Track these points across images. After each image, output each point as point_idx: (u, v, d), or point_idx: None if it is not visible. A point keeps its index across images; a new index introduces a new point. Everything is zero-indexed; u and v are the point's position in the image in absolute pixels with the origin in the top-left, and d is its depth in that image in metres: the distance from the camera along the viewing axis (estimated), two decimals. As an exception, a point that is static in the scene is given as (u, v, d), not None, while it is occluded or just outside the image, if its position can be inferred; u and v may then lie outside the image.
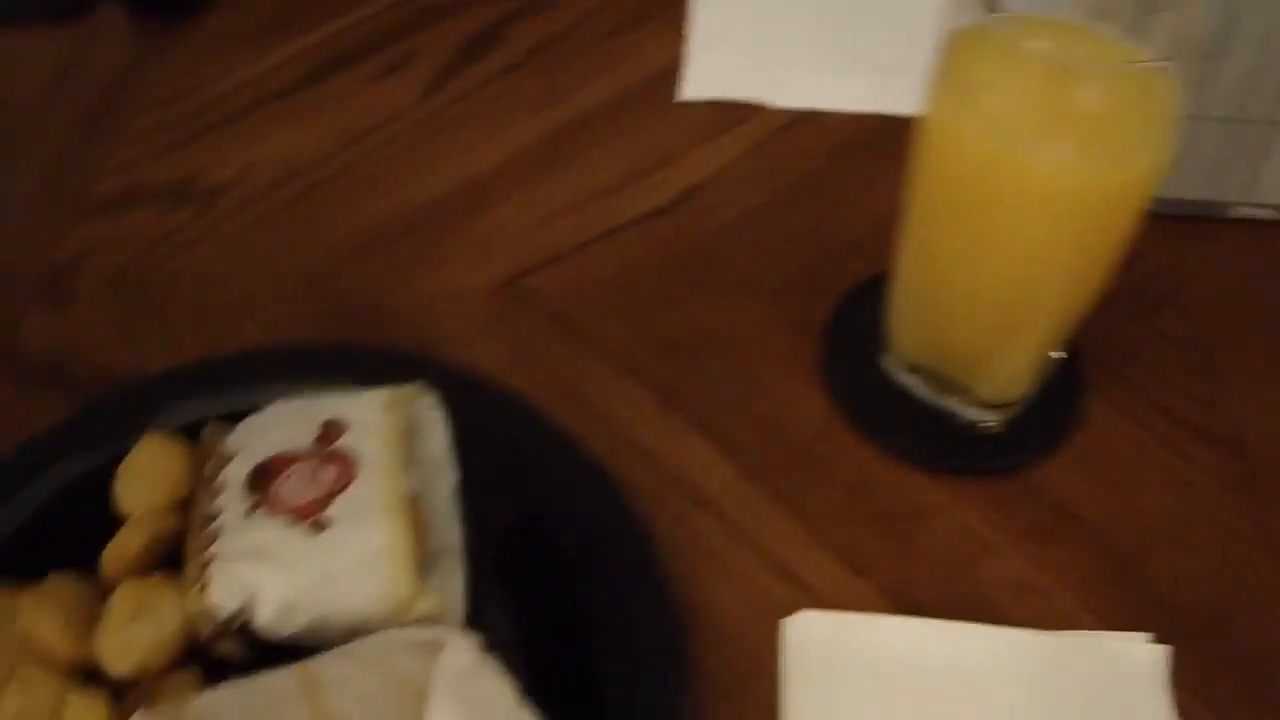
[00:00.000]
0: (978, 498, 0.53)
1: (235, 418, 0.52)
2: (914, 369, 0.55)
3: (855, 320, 0.58)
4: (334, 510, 0.47)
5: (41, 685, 0.46)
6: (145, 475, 0.52)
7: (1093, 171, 0.45)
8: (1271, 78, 0.60)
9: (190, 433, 0.52)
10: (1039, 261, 0.48)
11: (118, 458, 0.51)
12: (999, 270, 0.49)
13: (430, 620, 0.46)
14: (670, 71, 0.73)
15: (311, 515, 0.47)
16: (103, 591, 0.48)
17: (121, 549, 0.49)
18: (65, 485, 0.53)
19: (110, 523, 0.50)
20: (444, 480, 0.51)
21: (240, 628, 0.46)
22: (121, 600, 0.47)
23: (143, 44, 0.76)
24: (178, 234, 0.65)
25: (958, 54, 0.46)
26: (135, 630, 0.47)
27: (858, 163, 0.67)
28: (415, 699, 0.41)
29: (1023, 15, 0.49)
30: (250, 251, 0.63)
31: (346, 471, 0.49)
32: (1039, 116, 0.45)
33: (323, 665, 0.43)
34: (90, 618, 0.47)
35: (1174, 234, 0.64)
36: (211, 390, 0.55)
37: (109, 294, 0.63)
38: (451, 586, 0.48)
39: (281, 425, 0.51)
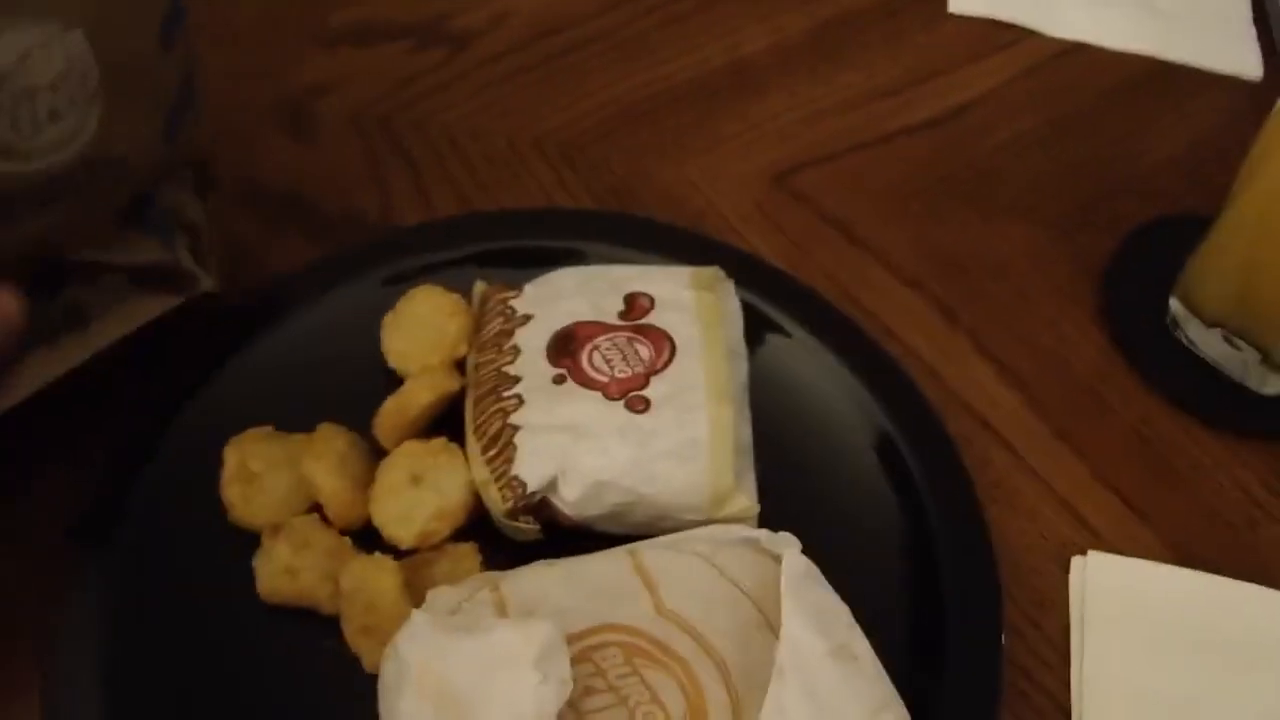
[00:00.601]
0: (1258, 459, 0.52)
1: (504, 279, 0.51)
2: (1212, 323, 0.53)
3: (1140, 264, 0.57)
4: (653, 390, 0.46)
5: (320, 538, 0.44)
6: (422, 329, 0.49)
7: None
8: None
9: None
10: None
11: (379, 308, 0.50)
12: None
13: (739, 518, 0.45)
14: (937, -18, 0.70)
15: (629, 392, 0.46)
16: (376, 451, 0.47)
17: (402, 408, 0.47)
18: (325, 328, 0.51)
19: (371, 377, 0.48)
20: (738, 371, 0.49)
21: (540, 503, 0.45)
22: (402, 464, 0.46)
23: None
24: (425, 76, 0.62)
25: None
26: (418, 497, 0.45)
27: (1128, 103, 0.65)
28: (746, 600, 0.40)
29: None
30: (504, 105, 0.61)
31: (663, 350, 0.47)
32: None
33: (652, 556, 0.42)
34: (366, 476, 0.46)
35: None
36: (485, 245, 0.53)
37: (350, 131, 0.60)
38: (745, 482, 0.46)
39: (577, 293, 0.50)
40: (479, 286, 0.51)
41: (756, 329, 0.50)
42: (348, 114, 0.61)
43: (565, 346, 0.47)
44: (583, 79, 0.62)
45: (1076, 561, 0.48)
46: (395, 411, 0.47)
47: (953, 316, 0.55)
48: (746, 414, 0.48)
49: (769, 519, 0.44)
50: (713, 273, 0.50)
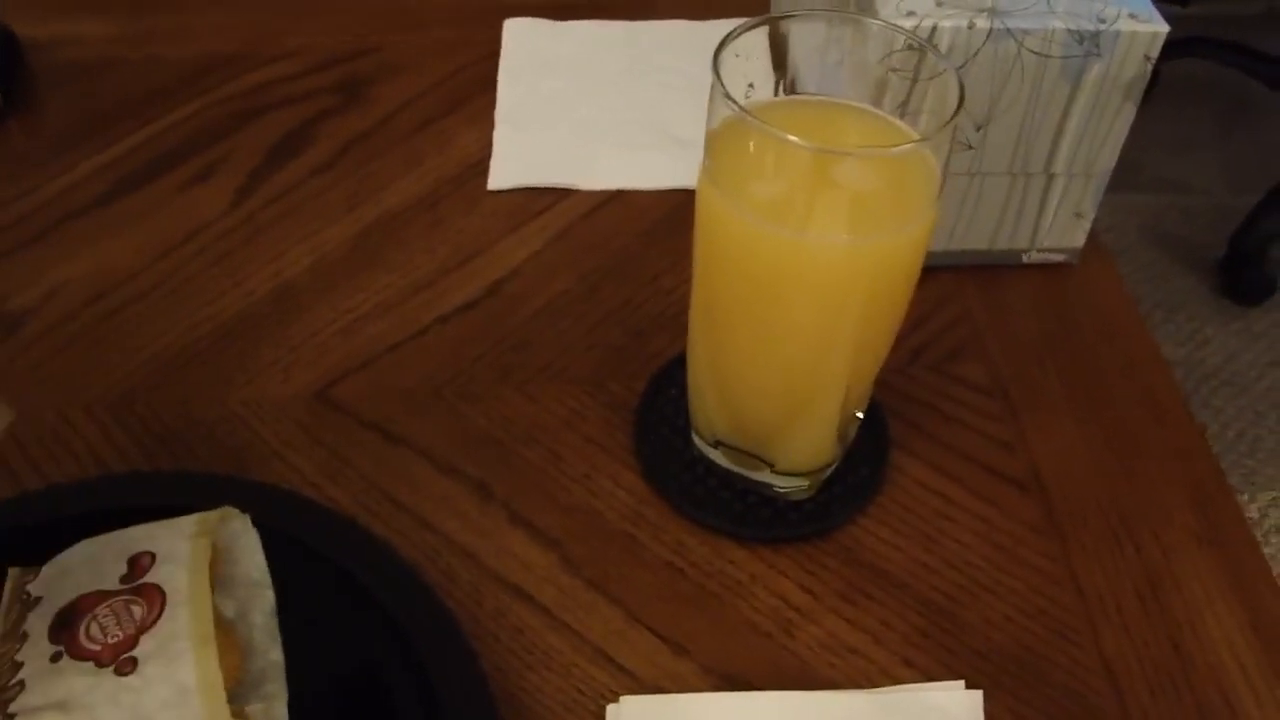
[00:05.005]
0: (791, 564, 0.55)
1: (43, 558, 0.52)
2: (717, 444, 0.56)
3: (663, 399, 0.60)
4: (142, 648, 0.47)
5: None
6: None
7: (858, 248, 0.47)
8: (1040, 133, 0.63)
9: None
10: (821, 335, 0.50)
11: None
12: (783, 346, 0.51)
13: (251, 748, 0.46)
14: (481, 161, 0.74)
15: (119, 655, 0.47)
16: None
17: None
18: None
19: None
20: (262, 600, 0.51)
21: (49, 783, 0.45)
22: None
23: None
24: (-19, 365, 0.64)
25: (722, 142, 0.48)
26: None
27: (666, 240, 0.69)
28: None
29: (786, 99, 0.51)
30: (58, 379, 0.63)
31: (155, 605, 0.48)
32: (800, 199, 0.47)
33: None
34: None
35: (968, 285, 0.67)
36: (12, 534, 0.54)
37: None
38: (273, 710, 0.48)
39: (87, 564, 0.51)
40: (11, 572, 0.52)
41: (283, 554, 0.52)
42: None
43: (66, 623, 0.48)
44: (132, 335, 0.64)
45: (610, 709, 0.50)
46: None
47: (487, 492, 0.57)
48: (276, 637, 0.49)
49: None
50: (219, 514, 0.52)
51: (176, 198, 0.72)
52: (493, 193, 0.72)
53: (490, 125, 0.76)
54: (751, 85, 0.49)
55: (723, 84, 0.45)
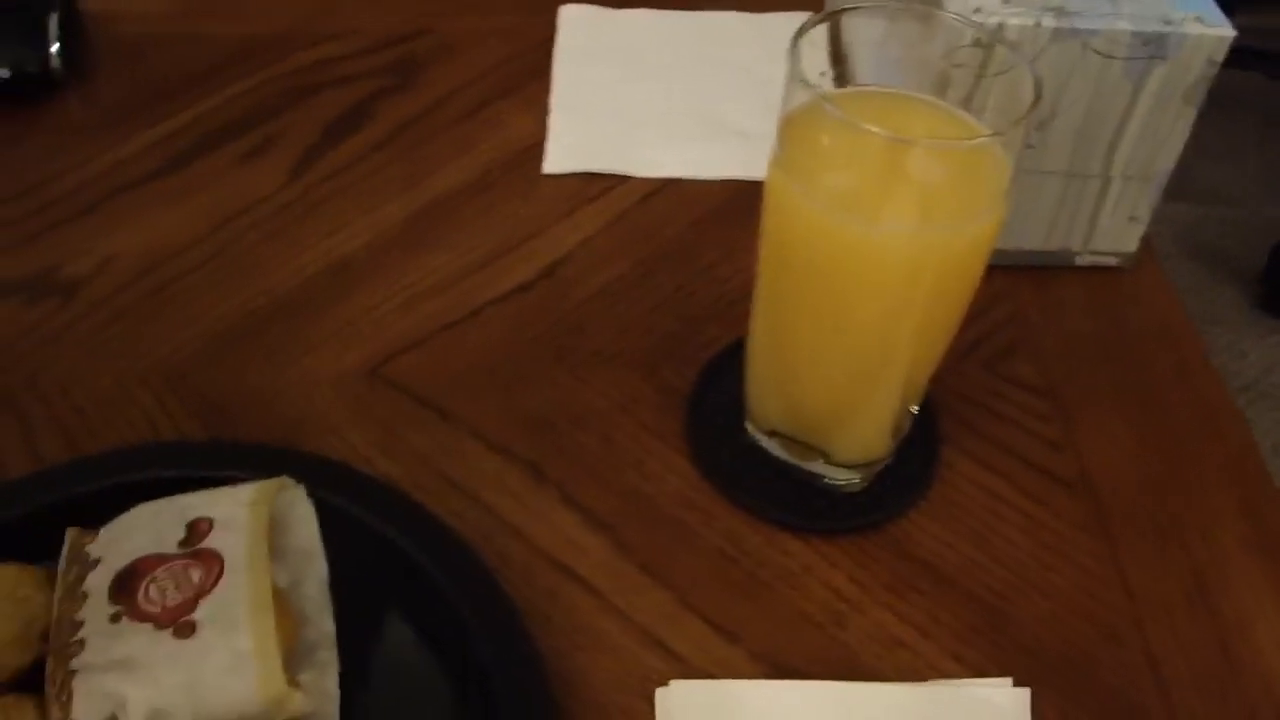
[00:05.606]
0: (842, 556, 0.55)
1: (100, 522, 0.52)
2: (773, 434, 0.56)
3: (718, 387, 0.60)
4: (200, 612, 0.47)
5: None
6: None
7: (928, 240, 0.47)
8: (1100, 135, 0.63)
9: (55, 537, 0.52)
10: (885, 326, 0.50)
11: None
12: (847, 337, 0.51)
13: (305, 716, 0.46)
14: (535, 146, 0.74)
15: (178, 619, 0.47)
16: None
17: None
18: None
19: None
20: (315, 572, 0.51)
21: (109, 741, 0.46)
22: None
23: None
24: (35, 331, 0.64)
25: (796, 130, 0.48)
26: (-15, 754, 0.46)
27: (719, 229, 0.69)
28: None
29: (857, 90, 0.51)
30: (113, 347, 0.63)
31: (214, 571, 0.49)
32: (874, 190, 0.47)
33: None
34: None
35: (1021, 284, 0.67)
36: (69, 498, 0.55)
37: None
38: (325, 680, 0.48)
39: (146, 527, 0.51)
40: (70, 533, 0.52)
41: (338, 527, 0.52)
42: (-36, 379, 0.63)
43: (125, 584, 0.49)
44: (187, 307, 0.64)
45: (660, 692, 0.50)
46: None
47: (540, 473, 0.57)
48: (328, 608, 0.50)
49: (356, 705, 0.47)
50: (275, 483, 0.52)
51: (231, 172, 0.73)
52: (547, 177, 0.72)
53: (543, 111, 0.76)
54: (823, 74, 0.50)
55: (802, 72, 0.45)
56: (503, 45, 0.82)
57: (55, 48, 0.75)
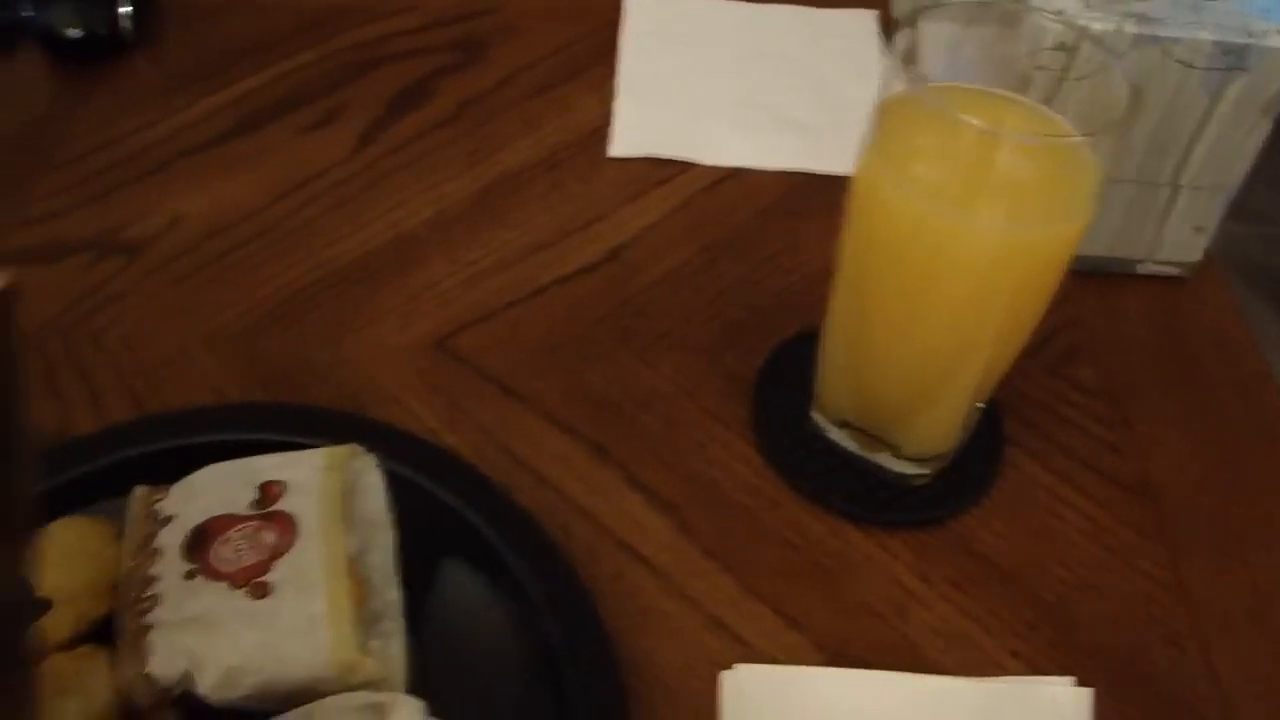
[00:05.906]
0: (904, 549, 0.55)
1: (167, 480, 0.52)
2: (843, 424, 0.56)
3: (784, 376, 0.60)
4: (275, 574, 0.47)
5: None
6: (67, 558, 0.50)
7: (1018, 237, 0.47)
8: (1173, 144, 0.63)
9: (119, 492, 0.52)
10: (967, 321, 0.50)
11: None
12: (928, 329, 0.51)
13: (374, 683, 0.46)
14: (600, 128, 0.74)
15: (252, 579, 0.47)
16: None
17: (50, 633, 0.47)
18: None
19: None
20: (383, 540, 0.51)
21: (180, 696, 0.46)
22: (48, 676, 0.46)
23: (64, 89, 0.76)
24: (103, 288, 0.64)
25: (890, 121, 0.48)
26: (63, 706, 0.46)
27: (783, 220, 0.69)
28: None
29: (951, 85, 0.51)
30: (178, 307, 0.63)
31: (287, 534, 0.49)
32: (967, 183, 0.47)
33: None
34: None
35: (1084, 289, 0.67)
36: (139, 456, 0.55)
37: (31, 348, 0.62)
38: (393, 648, 0.48)
39: (217, 488, 0.51)
40: (138, 490, 0.52)
41: (407, 497, 0.52)
42: (30, 333, 0.62)
43: (198, 542, 0.49)
44: (252, 272, 0.65)
45: (724, 676, 0.50)
46: (43, 638, 0.48)
47: (604, 454, 0.57)
48: (395, 578, 0.50)
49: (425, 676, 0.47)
50: (348, 450, 0.52)
51: (296, 141, 0.73)
52: (613, 161, 0.72)
53: (608, 95, 0.76)
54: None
55: (904, 64, 0.45)
56: (566, 27, 0.82)
57: (126, 9, 0.75)
